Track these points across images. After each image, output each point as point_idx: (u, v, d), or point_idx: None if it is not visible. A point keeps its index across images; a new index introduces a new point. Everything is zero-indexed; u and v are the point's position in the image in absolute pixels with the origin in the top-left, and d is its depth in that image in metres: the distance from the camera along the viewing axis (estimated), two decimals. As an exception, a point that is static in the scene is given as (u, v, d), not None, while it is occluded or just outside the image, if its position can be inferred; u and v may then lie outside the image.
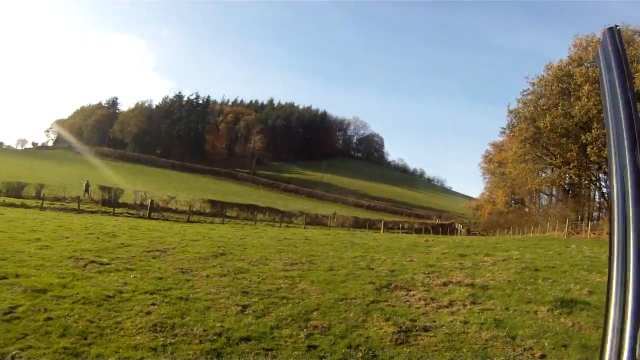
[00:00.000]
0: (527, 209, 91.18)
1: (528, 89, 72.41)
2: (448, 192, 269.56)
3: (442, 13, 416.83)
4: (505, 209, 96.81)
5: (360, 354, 9.51)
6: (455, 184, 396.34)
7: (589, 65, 64.91)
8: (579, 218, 68.90)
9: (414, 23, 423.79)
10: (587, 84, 60.61)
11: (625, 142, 1.28)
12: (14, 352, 8.53)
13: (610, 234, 1.31)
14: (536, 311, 12.43)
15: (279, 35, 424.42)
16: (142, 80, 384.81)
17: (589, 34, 69.26)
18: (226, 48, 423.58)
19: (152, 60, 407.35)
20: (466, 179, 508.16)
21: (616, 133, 1.35)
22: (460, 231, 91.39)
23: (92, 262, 16.83)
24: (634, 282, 1.20)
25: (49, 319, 10.46)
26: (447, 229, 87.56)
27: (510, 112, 73.84)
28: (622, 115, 1.42)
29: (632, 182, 1.26)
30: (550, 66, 69.14)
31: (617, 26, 1.32)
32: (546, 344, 9.91)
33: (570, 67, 66.88)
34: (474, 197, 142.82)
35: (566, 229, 55.29)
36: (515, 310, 12.50)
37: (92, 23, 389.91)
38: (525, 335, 10.46)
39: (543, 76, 70.03)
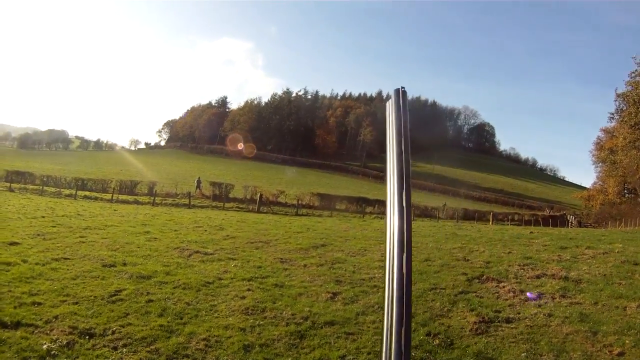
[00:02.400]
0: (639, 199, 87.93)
1: (636, 70, 68.37)
2: (561, 181, 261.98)
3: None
4: (617, 200, 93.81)
5: (437, 342, 9.73)
6: (568, 174, 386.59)
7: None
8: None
9: (520, 3, 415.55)
10: (701, 60, 57.85)
11: (396, 185, 1.66)
12: (114, 328, 9.26)
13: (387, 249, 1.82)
14: (625, 307, 12.12)
15: (385, 24, 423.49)
16: (251, 79, 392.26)
17: None
18: (332, 41, 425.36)
19: (261, 59, 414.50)
20: (580, 167, 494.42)
21: (392, 176, 1.74)
22: (572, 223, 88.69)
23: (197, 252, 17.82)
24: (397, 290, 1.59)
25: (150, 301, 11.39)
26: (557, 221, 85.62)
27: (618, 95, 71.05)
28: (394, 165, 1.87)
29: (398, 213, 1.81)
30: (661, 44, 66.32)
31: (403, 88, 1.60)
32: (627, 341, 9.76)
33: (683, 42, 64.07)
34: (586, 186, 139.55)
35: (681, 221, 53.34)
36: (603, 305, 12.26)
37: (201, 28, 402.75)
38: (608, 331, 10.32)
39: None
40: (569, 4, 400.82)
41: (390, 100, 1.88)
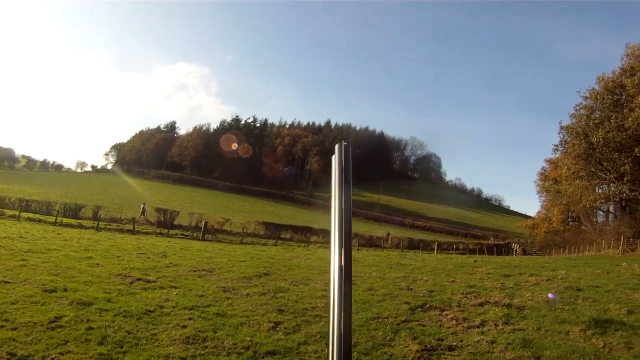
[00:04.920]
0: (583, 227, 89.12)
1: (580, 103, 71.02)
2: (505, 211, 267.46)
3: (497, 25, 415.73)
4: (561, 228, 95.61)
5: (380, 371, 9.68)
6: (513, 203, 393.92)
7: (642, 73, 63.77)
8: (636, 235, 67.68)
9: (471, 37, 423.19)
10: (640, 94, 59.51)
11: (337, 231, 1.68)
12: (53, 356, 9.03)
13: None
14: (568, 332, 12.27)
15: (335, 55, 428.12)
16: (205, 105, 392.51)
17: (642, 41, 67.93)
18: (284, 70, 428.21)
19: (215, 85, 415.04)
20: (524, 197, 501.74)
21: (335, 227, 1.79)
22: (516, 251, 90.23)
23: (139, 279, 17.53)
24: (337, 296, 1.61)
25: (90, 328, 11.07)
26: (502, 249, 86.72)
27: (562, 128, 72.90)
28: (336, 216, 2.01)
29: (337, 250, 1.92)
30: (602, 78, 68.12)
31: (345, 143, 1.68)
32: (570, 365, 9.82)
33: (622, 77, 65.81)
34: (531, 215, 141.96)
35: (620, 246, 54.44)
36: (546, 331, 12.40)
37: (158, 52, 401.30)
38: (552, 355, 10.36)
39: (594, 89, 68.78)
40: (519, 38, 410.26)
41: (334, 155, 2.01)
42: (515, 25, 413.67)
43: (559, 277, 22.26)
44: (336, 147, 1.93)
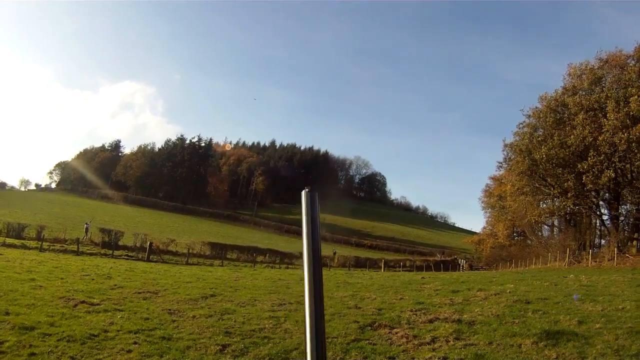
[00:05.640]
0: (529, 241, 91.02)
1: (524, 122, 72.73)
2: (451, 227, 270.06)
3: (441, 47, 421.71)
4: (507, 242, 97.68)
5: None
6: (458, 220, 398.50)
7: (583, 93, 65.30)
8: (580, 247, 68.72)
9: (415, 59, 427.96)
10: (582, 112, 60.95)
11: (308, 270, 1.92)
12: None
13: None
14: (520, 345, 12.20)
15: (281, 75, 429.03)
16: (150, 125, 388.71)
17: (582, 61, 69.74)
18: (230, 91, 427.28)
19: (161, 105, 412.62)
20: (469, 214, 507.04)
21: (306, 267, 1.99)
22: (463, 267, 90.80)
23: (83, 302, 17.05)
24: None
25: (33, 354, 10.70)
26: (449, 265, 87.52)
27: (506, 145, 74.14)
28: (308, 256, 2.08)
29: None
30: (545, 97, 69.78)
31: (308, 189, 1.97)
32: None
33: (564, 96, 67.23)
34: (476, 231, 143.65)
35: (567, 258, 55.21)
36: (498, 345, 12.30)
37: (104, 70, 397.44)
38: (504, 370, 10.33)
39: (537, 107, 70.80)
40: (462, 59, 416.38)
41: (302, 201, 2.15)
42: (458, 47, 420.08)
43: (508, 291, 22.36)
44: (302, 194, 2.07)
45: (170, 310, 16.97)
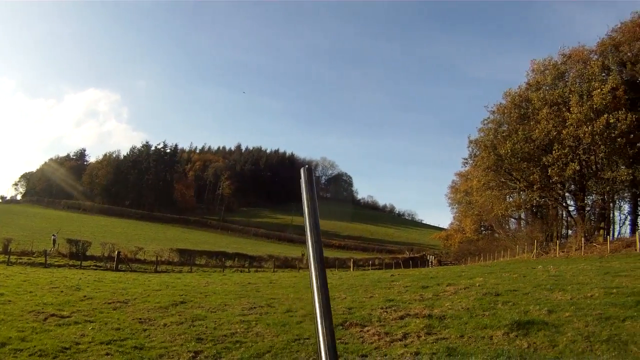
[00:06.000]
0: (496, 235, 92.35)
1: (488, 118, 74.09)
2: (419, 224, 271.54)
3: (407, 47, 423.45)
4: (474, 237, 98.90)
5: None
6: (426, 217, 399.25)
7: (547, 88, 66.13)
8: (548, 238, 69.38)
9: (381, 59, 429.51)
10: (546, 107, 61.73)
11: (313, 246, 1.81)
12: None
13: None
14: (491, 336, 12.25)
15: (247, 78, 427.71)
16: (116, 132, 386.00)
17: (545, 57, 70.76)
18: (196, 95, 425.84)
19: (127, 112, 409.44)
20: (437, 210, 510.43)
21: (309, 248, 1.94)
22: (432, 262, 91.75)
23: (53, 315, 16.80)
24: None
25: (5, 370, 10.48)
26: (418, 262, 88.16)
27: (471, 142, 74.97)
28: (309, 238, 2.05)
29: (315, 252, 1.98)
30: (509, 93, 70.69)
31: (307, 166, 1.98)
32: (496, 368, 9.80)
33: (528, 92, 68.06)
34: (444, 227, 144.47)
35: (534, 250, 55.82)
36: (470, 337, 12.34)
37: (68, 78, 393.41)
38: (477, 361, 10.38)
39: (502, 104, 72.10)
40: (427, 57, 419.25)
41: (301, 179, 2.17)
42: (423, 46, 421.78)
43: (477, 284, 22.43)
44: (301, 171, 2.12)
45: (141, 319, 16.81)
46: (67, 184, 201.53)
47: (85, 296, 22.03)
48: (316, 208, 2.15)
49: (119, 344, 13.19)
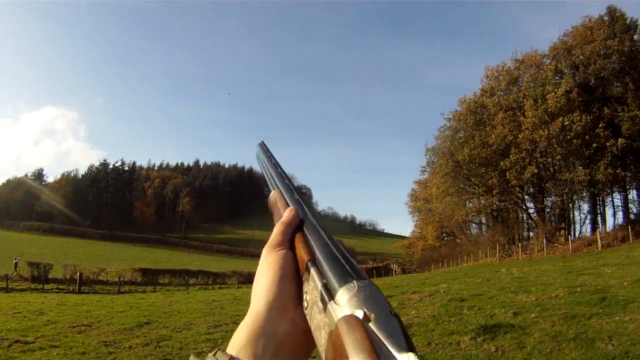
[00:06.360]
0: (458, 240, 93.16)
1: (444, 125, 75.62)
2: (381, 234, 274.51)
3: (363, 56, 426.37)
4: (437, 244, 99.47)
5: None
6: (387, 226, 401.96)
7: (501, 93, 67.03)
8: (510, 241, 70.13)
9: (338, 68, 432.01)
10: (501, 112, 62.68)
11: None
12: None
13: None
14: (459, 342, 12.28)
15: (203, 94, 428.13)
16: (74, 150, 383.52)
17: (499, 63, 71.85)
18: (153, 112, 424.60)
19: (84, 130, 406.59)
20: (398, 219, 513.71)
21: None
22: (396, 271, 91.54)
23: (17, 341, 16.53)
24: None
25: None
26: (381, 271, 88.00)
27: (428, 149, 76.96)
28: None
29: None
30: (464, 100, 71.72)
31: (263, 141, 1.79)
32: (466, 374, 9.83)
33: (483, 98, 68.91)
34: (406, 235, 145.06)
35: (497, 253, 56.30)
36: (437, 344, 12.36)
37: (23, 96, 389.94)
38: (446, 368, 10.40)
39: (457, 111, 73.04)
40: (383, 66, 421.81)
41: (257, 154, 1.86)
42: (377, 54, 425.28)
43: (442, 291, 22.65)
44: (257, 147, 1.82)
45: (106, 342, 16.68)
46: (27, 205, 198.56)
47: (49, 320, 21.79)
48: (285, 173, 2.00)
49: (84, 368, 13.05)
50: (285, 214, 1.12)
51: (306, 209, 1.12)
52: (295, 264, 0.92)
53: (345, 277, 0.71)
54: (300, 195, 1.20)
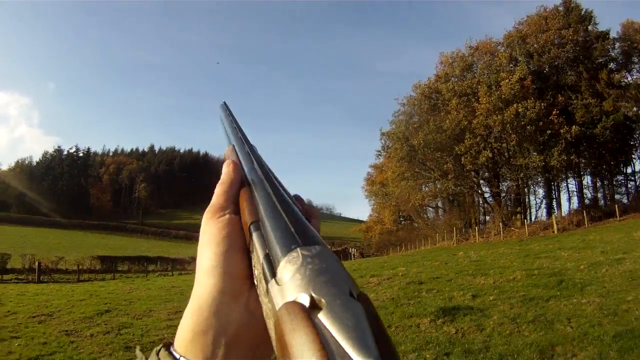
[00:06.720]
0: (416, 224, 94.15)
1: (399, 110, 76.15)
2: (338, 218, 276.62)
3: (317, 43, 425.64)
4: (394, 227, 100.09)
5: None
6: (344, 210, 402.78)
7: (456, 79, 67.68)
8: (467, 225, 70.88)
9: (294, 54, 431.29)
10: (455, 97, 63.20)
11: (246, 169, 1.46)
12: None
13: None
14: (419, 324, 12.41)
15: (157, 78, 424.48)
16: (28, 137, 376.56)
17: (454, 50, 72.69)
18: (106, 97, 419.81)
19: (37, 116, 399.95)
20: (355, 203, 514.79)
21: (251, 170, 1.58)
22: (354, 255, 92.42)
23: (-23, 333, 16.45)
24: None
25: None
26: (340, 255, 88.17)
27: (383, 134, 78.22)
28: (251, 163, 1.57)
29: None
30: (418, 85, 72.31)
31: (225, 103, 1.54)
32: (427, 356, 9.92)
33: (438, 84, 69.46)
34: (363, 220, 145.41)
35: (454, 237, 56.83)
36: (397, 327, 12.47)
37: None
38: (407, 350, 10.44)
39: (412, 96, 73.81)
40: (339, 53, 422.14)
41: (220, 115, 1.66)
42: (335, 42, 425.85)
43: (400, 274, 22.86)
44: (219, 108, 1.63)
45: (67, 331, 16.63)
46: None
47: (9, 311, 21.54)
48: (243, 132, 1.80)
49: (46, 358, 12.96)
50: (223, 170, 0.91)
51: (254, 162, 0.92)
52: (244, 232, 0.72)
53: (288, 243, 0.55)
54: (251, 148, 1.04)
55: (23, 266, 50.61)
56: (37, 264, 47.99)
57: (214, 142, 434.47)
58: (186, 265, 64.04)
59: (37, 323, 18.37)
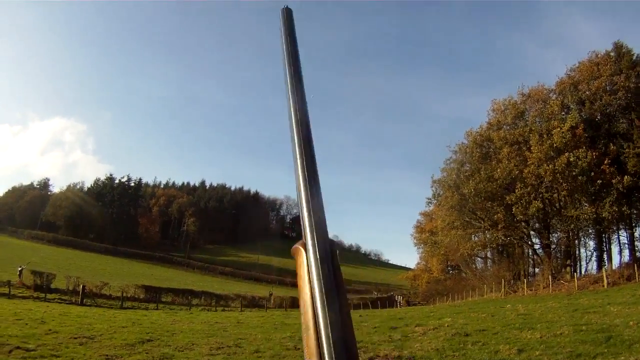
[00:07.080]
0: (463, 274, 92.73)
1: (450, 157, 75.03)
2: (386, 265, 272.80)
3: (371, 86, 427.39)
4: (442, 276, 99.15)
5: None
6: (392, 256, 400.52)
7: (507, 127, 67.15)
8: (515, 276, 69.89)
9: (341, 96, 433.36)
10: (506, 146, 62.64)
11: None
12: None
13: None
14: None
15: (210, 114, 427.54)
16: (81, 163, 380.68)
17: (506, 97, 72.20)
18: (161, 130, 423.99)
19: (92, 143, 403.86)
20: (403, 250, 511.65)
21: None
22: (400, 303, 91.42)
23: (18, 348, 16.40)
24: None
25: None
26: (386, 302, 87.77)
27: (434, 182, 76.53)
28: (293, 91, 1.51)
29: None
30: (470, 133, 71.58)
31: (286, 6, 1.44)
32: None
33: (489, 131, 68.95)
34: (411, 267, 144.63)
35: (503, 289, 55.92)
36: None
37: (34, 105, 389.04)
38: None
39: (463, 143, 72.96)
40: (394, 98, 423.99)
41: (280, 23, 1.54)
42: (388, 85, 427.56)
43: (446, 325, 22.44)
44: (280, 12, 1.54)
45: (107, 356, 16.48)
46: (31, 213, 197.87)
47: (50, 330, 21.59)
48: (299, 61, 1.59)
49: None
50: None
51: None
52: None
53: None
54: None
55: (67, 287, 51.25)
56: (81, 286, 48.35)
57: (265, 182, 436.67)
58: (230, 302, 64.03)
59: (78, 344, 18.23)
